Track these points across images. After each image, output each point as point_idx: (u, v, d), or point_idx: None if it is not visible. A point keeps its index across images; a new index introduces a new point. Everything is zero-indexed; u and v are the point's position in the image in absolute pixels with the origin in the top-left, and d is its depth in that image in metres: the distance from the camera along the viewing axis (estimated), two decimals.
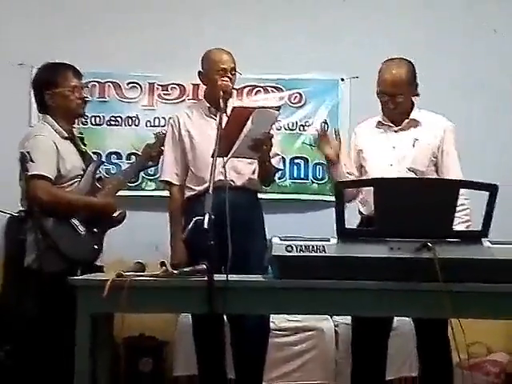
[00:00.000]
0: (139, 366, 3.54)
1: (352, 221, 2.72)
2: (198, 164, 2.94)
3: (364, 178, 2.87)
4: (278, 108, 2.73)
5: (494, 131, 4.03)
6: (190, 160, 2.99)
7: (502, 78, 4.04)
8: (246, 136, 2.59)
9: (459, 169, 2.82)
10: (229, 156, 2.62)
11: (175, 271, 2.12)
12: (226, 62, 2.93)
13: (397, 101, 2.78)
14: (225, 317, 2.94)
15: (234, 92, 3.11)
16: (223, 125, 2.55)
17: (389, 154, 2.84)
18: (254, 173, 2.98)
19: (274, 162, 2.98)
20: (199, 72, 3.03)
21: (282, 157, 3.26)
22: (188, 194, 2.98)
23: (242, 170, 2.94)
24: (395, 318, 2.95)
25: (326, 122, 2.88)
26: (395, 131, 2.87)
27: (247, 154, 2.74)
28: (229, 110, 2.80)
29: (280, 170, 3.21)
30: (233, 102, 2.99)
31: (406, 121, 2.85)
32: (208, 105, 3.00)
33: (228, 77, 2.92)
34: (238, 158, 2.76)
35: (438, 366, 2.72)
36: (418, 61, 2.86)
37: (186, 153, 3.00)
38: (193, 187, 2.96)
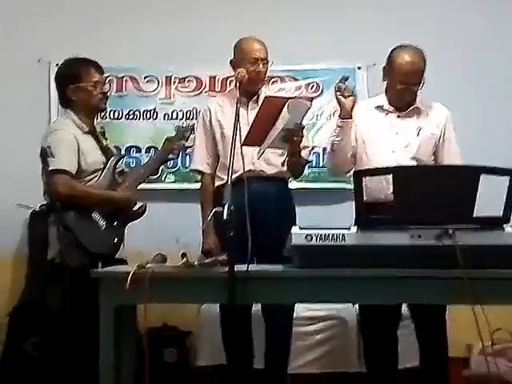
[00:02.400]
0: (164, 357, 3.57)
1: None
2: (227, 153, 2.93)
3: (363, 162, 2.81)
4: (311, 99, 2.73)
5: (506, 120, 3.97)
6: (220, 149, 3.01)
7: None
8: (281, 126, 2.59)
9: (459, 155, 2.82)
10: (264, 147, 2.62)
11: (196, 262, 2.14)
12: (257, 52, 2.94)
13: (413, 90, 2.75)
14: (259, 307, 2.95)
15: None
16: (240, 116, 2.53)
17: (391, 140, 2.79)
18: (283, 164, 2.98)
19: (303, 153, 2.97)
20: (231, 61, 3.03)
21: None
22: (218, 183, 2.99)
23: (273, 161, 2.95)
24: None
25: (345, 77, 2.81)
26: (398, 116, 2.82)
27: (278, 146, 2.74)
28: (260, 100, 2.81)
29: (310, 161, 3.20)
30: (264, 92, 3.00)
31: (411, 108, 2.81)
32: (238, 95, 3.00)
33: (245, 68, 2.89)
34: (269, 148, 2.75)
35: (434, 358, 2.71)
36: (430, 48, 2.83)
37: (216, 142, 3.02)
38: (223, 176, 2.94)
